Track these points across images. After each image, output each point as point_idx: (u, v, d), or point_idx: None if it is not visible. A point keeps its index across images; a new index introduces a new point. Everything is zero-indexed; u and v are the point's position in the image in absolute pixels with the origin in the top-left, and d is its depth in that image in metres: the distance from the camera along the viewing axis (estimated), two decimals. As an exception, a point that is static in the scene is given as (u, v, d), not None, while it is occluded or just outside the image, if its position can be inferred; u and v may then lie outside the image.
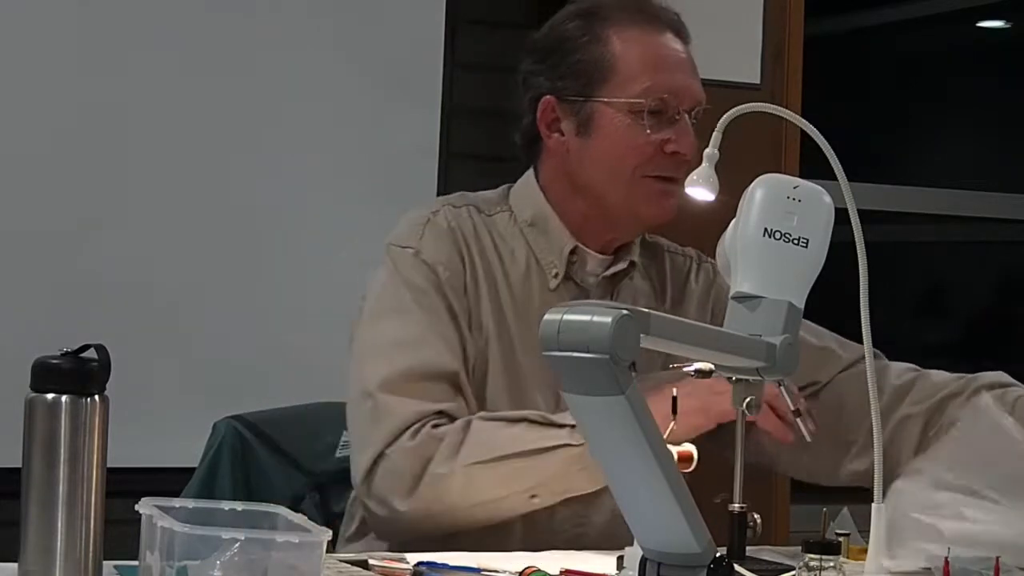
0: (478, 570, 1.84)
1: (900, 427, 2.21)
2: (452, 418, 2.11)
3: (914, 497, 1.94)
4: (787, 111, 2.07)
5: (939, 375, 2.27)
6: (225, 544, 1.48)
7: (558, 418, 2.10)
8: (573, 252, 2.26)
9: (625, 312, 1.40)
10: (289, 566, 1.49)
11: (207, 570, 1.47)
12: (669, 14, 2.26)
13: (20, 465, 1.60)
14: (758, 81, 3.72)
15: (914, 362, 2.31)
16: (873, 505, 1.89)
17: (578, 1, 2.29)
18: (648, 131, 2.19)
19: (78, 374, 1.59)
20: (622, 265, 2.28)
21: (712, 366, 1.86)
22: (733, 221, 1.84)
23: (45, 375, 1.59)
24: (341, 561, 1.90)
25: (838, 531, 2.02)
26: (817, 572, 1.66)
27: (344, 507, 2.36)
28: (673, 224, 2.25)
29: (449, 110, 3.68)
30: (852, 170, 1.91)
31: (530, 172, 2.30)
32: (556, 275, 2.25)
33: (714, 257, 1.91)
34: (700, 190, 2.01)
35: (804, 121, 1.99)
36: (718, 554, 1.49)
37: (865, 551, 1.92)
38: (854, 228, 1.91)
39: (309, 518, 1.61)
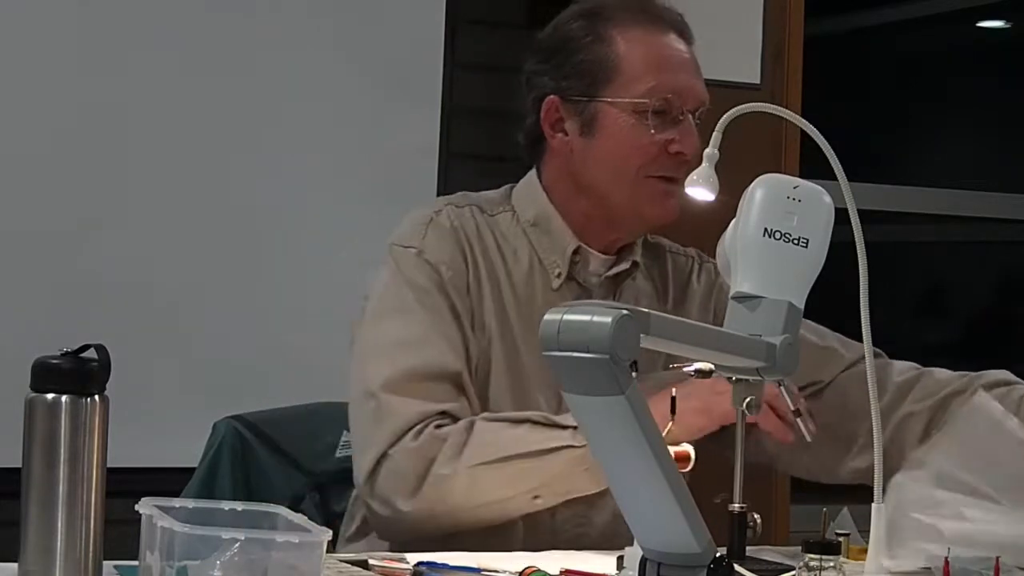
0: (478, 570, 1.84)
1: (903, 425, 2.21)
2: (455, 418, 2.11)
3: (914, 495, 1.94)
4: (787, 111, 2.07)
5: (942, 373, 2.26)
6: (225, 544, 1.48)
7: (561, 419, 2.10)
8: (576, 252, 2.25)
9: (625, 312, 1.40)
10: (289, 566, 1.49)
11: (207, 570, 1.47)
12: (673, 14, 2.26)
13: (20, 465, 1.60)
14: (758, 81, 3.72)
15: (915, 362, 2.31)
16: (873, 505, 1.89)
17: (582, 1, 2.29)
18: (652, 131, 2.19)
19: (78, 374, 1.59)
20: (625, 265, 2.28)
21: (712, 366, 1.86)
22: (733, 221, 1.84)
23: (45, 375, 1.59)
24: (341, 561, 1.90)
25: (838, 531, 2.02)
26: (817, 572, 1.66)
27: (344, 507, 2.36)
28: (673, 224, 2.25)
29: (449, 110, 3.68)
30: (852, 170, 1.91)
31: (533, 172, 2.30)
32: (559, 275, 2.25)
33: (714, 257, 1.91)
34: (700, 190, 2.01)
35: (804, 121, 1.98)
36: (718, 554, 1.49)
37: (865, 551, 1.91)
38: (854, 228, 1.91)
39: (309, 518, 1.61)
